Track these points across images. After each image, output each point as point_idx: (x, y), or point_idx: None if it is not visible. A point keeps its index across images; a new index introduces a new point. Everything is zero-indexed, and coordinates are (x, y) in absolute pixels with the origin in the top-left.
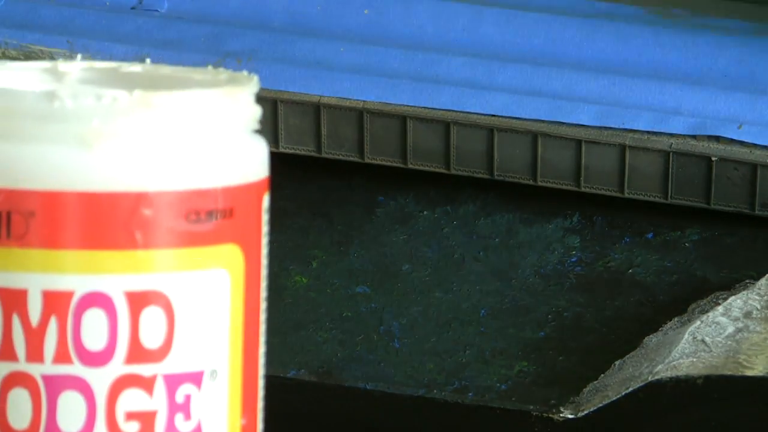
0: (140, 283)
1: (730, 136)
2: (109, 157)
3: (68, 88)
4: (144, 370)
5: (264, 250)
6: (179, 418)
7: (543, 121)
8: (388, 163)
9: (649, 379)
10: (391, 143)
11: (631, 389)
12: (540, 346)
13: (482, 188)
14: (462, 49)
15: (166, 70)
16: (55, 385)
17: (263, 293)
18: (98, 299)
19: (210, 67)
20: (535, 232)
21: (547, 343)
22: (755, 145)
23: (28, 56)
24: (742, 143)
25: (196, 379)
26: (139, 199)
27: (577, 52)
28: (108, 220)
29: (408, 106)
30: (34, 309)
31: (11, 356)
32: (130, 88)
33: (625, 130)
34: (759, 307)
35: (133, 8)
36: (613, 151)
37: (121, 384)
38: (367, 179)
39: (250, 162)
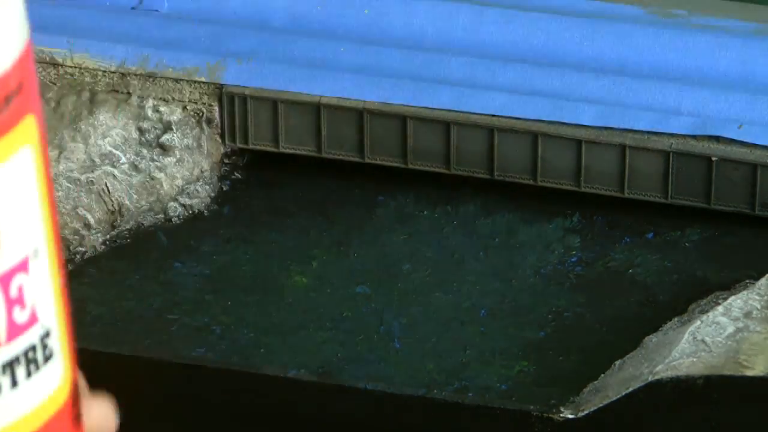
0: None
1: (730, 136)
2: None
3: None
4: None
5: (43, 128)
6: (16, 311)
7: (543, 121)
8: (388, 163)
9: (649, 379)
10: (391, 143)
11: (631, 389)
12: (540, 346)
13: (482, 188)
14: (462, 49)
15: None
16: None
17: (49, 170)
18: None
19: None
20: (535, 232)
21: (547, 343)
22: (755, 145)
23: None
24: (742, 143)
25: (23, 266)
26: None
27: (577, 52)
28: None
29: (408, 106)
30: None
31: None
32: None
33: (626, 130)
34: (759, 307)
35: (133, 8)
36: (613, 151)
37: None
38: (367, 179)
39: (18, 21)
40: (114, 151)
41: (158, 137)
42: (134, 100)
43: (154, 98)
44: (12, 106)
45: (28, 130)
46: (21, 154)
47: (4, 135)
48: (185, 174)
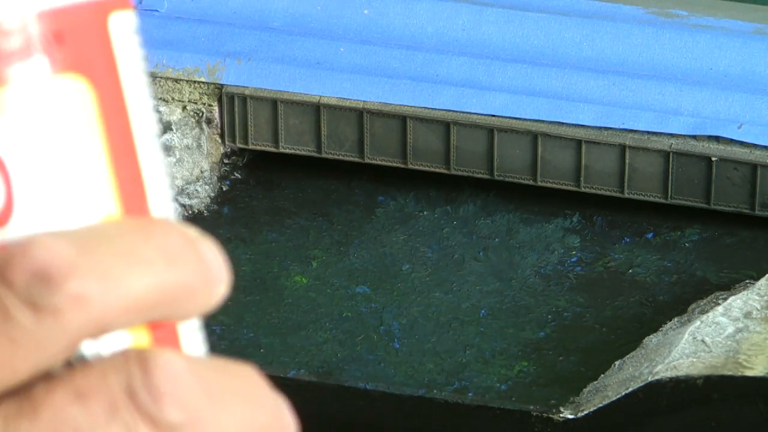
0: None
1: (730, 136)
2: None
3: None
4: None
5: (121, 92)
6: None
7: (543, 121)
8: (388, 163)
9: (649, 379)
10: (391, 143)
11: (631, 389)
12: (540, 346)
13: (482, 188)
14: (462, 49)
15: None
16: None
17: (132, 141)
18: None
19: None
20: (535, 232)
21: (547, 343)
22: (755, 145)
23: None
24: (742, 143)
25: None
26: None
27: (577, 52)
28: None
29: (408, 106)
30: None
31: None
32: None
33: (625, 130)
34: (759, 307)
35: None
36: (613, 151)
37: None
38: (367, 179)
39: None
40: None
41: (158, 137)
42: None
43: (153, 98)
44: (40, 57)
45: (75, 89)
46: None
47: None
48: (185, 174)
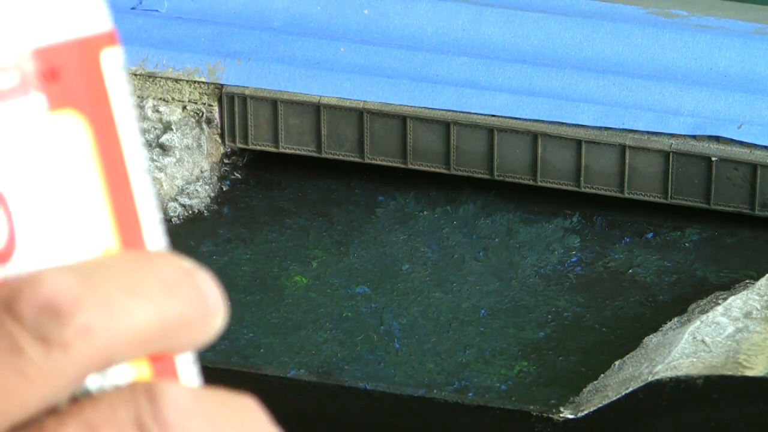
0: None
1: (730, 136)
2: None
3: None
4: None
5: (123, 121)
6: None
7: (543, 121)
8: (388, 163)
9: (649, 379)
10: (391, 143)
11: (631, 389)
12: (540, 346)
13: (482, 188)
14: (462, 49)
15: None
16: None
17: (126, 171)
18: None
19: None
20: (535, 232)
21: (547, 343)
22: (755, 145)
23: None
24: (742, 143)
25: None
26: None
27: (577, 52)
28: None
29: (408, 106)
30: None
31: None
32: None
33: (625, 130)
34: (759, 307)
35: (133, 8)
36: (613, 151)
37: None
38: (367, 179)
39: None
40: None
41: (158, 137)
42: (134, 100)
43: (153, 98)
44: (34, 94)
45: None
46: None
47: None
48: (185, 174)
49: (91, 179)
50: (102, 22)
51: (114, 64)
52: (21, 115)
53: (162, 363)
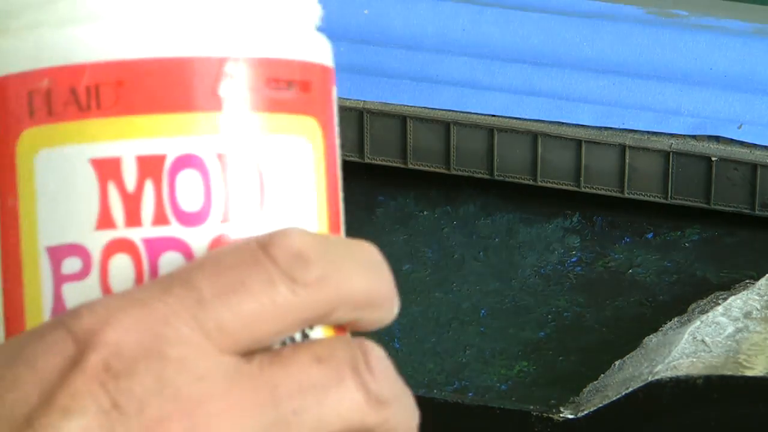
0: (229, 144)
1: (730, 136)
2: (190, 23)
3: None
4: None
5: (337, 141)
6: None
7: (543, 121)
8: (388, 163)
9: (649, 379)
10: (391, 143)
11: (631, 389)
12: (540, 346)
13: (482, 188)
14: (462, 49)
15: None
16: (155, 247)
17: (340, 182)
18: (191, 161)
19: None
20: (535, 232)
21: (547, 343)
22: (755, 145)
23: None
24: (742, 143)
25: None
26: (222, 63)
27: (577, 52)
28: (194, 84)
29: (408, 106)
30: (129, 175)
31: (110, 224)
32: None
33: (625, 130)
34: (759, 307)
35: None
36: (613, 151)
37: (218, 244)
38: (367, 179)
39: (322, 45)
40: None
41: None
42: None
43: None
44: (293, 94)
45: (310, 128)
46: (298, 141)
47: (280, 113)
48: None
49: (318, 172)
50: (331, 60)
51: (335, 93)
52: (287, 115)
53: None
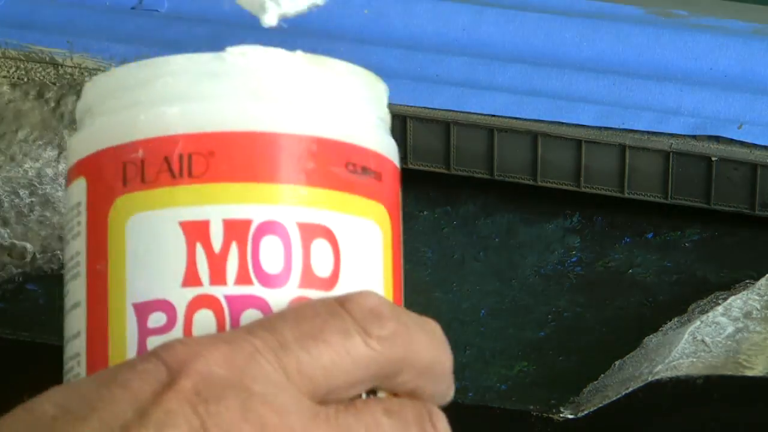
0: (310, 215)
1: (730, 136)
2: (282, 105)
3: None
4: (315, 295)
5: (401, 233)
6: None
7: (543, 121)
8: None
9: (649, 379)
10: None
11: (631, 389)
12: (540, 346)
13: (482, 188)
14: (462, 49)
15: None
16: (238, 304)
17: (401, 270)
18: (274, 227)
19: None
20: (535, 232)
21: (547, 343)
22: (755, 145)
23: (28, 56)
24: (742, 143)
25: None
26: (310, 142)
27: (577, 52)
28: (282, 158)
29: (408, 106)
30: (216, 237)
31: (196, 281)
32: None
33: (625, 130)
34: (759, 307)
35: (133, 8)
36: (613, 151)
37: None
38: None
39: (395, 148)
40: None
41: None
42: None
43: None
44: (368, 180)
45: (380, 214)
46: (370, 224)
47: (356, 195)
48: None
49: (383, 256)
50: (398, 163)
51: (401, 193)
52: (365, 200)
53: None
